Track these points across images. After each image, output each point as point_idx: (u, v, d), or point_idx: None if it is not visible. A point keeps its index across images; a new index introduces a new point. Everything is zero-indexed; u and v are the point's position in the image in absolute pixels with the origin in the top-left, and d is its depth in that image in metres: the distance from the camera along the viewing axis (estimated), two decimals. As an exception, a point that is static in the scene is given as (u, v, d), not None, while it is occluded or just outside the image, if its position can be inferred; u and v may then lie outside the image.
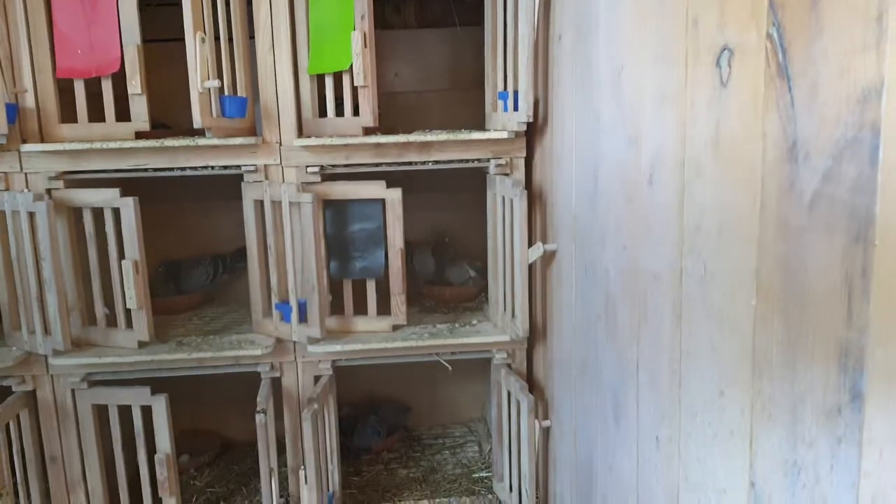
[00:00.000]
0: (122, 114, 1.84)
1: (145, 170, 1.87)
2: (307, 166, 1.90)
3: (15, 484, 1.91)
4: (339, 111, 1.90)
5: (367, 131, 1.89)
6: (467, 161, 1.94)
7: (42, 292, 1.82)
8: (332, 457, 2.01)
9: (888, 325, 0.60)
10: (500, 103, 1.91)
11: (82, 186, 1.88)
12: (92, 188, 1.85)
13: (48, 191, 1.85)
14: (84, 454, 1.96)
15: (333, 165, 1.92)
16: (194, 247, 2.44)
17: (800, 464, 0.73)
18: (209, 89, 1.71)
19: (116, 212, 1.83)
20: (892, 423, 0.60)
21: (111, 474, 1.97)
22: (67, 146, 1.79)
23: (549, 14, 1.70)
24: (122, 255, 1.84)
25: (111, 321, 1.93)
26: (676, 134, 0.99)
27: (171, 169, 1.88)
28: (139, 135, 1.85)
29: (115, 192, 1.82)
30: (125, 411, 1.92)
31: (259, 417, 1.79)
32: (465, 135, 1.88)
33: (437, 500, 2.12)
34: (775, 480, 0.78)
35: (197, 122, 1.68)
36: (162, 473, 1.88)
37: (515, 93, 1.79)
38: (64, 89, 1.86)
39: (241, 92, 1.84)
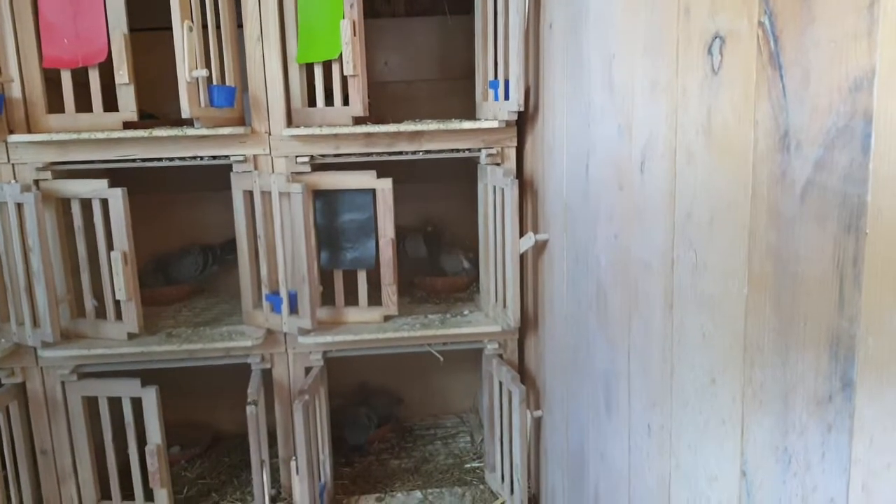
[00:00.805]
0: (110, 104, 1.83)
1: (133, 160, 1.86)
2: (297, 156, 1.89)
3: (5, 476, 1.91)
4: (329, 101, 1.89)
5: (357, 121, 1.88)
6: (458, 151, 1.93)
7: (31, 284, 1.80)
8: (323, 448, 2.01)
9: (879, 314, 0.60)
10: (491, 92, 1.91)
11: (70, 177, 1.86)
12: (80, 179, 1.84)
13: (36, 182, 1.84)
14: (74, 446, 1.95)
15: (323, 155, 1.91)
16: (183, 238, 2.43)
17: (791, 451, 0.73)
18: (197, 79, 1.70)
19: (105, 202, 1.81)
20: (883, 410, 0.60)
21: (102, 466, 1.96)
22: (55, 137, 1.77)
23: (539, 2, 1.69)
24: (110, 246, 1.83)
25: (100, 313, 1.92)
26: (668, 122, 0.99)
27: (160, 159, 1.87)
28: (127, 125, 1.84)
29: (104, 182, 1.81)
30: (115, 403, 1.91)
31: (250, 409, 1.79)
32: (455, 124, 1.88)
33: (429, 490, 2.12)
34: (766, 468, 0.78)
35: (185, 111, 1.66)
36: (153, 465, 1.88)
37: (506, 81, 1.79)
38: (50, 79, 1.84)
39: (229, 81, 1.83)
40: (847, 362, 0.64)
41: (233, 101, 1.82)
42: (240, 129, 1.83)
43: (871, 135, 0.59)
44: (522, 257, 1.87)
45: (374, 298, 2.00)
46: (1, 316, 1.90)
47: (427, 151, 1.92)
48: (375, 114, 1.96)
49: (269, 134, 1.89)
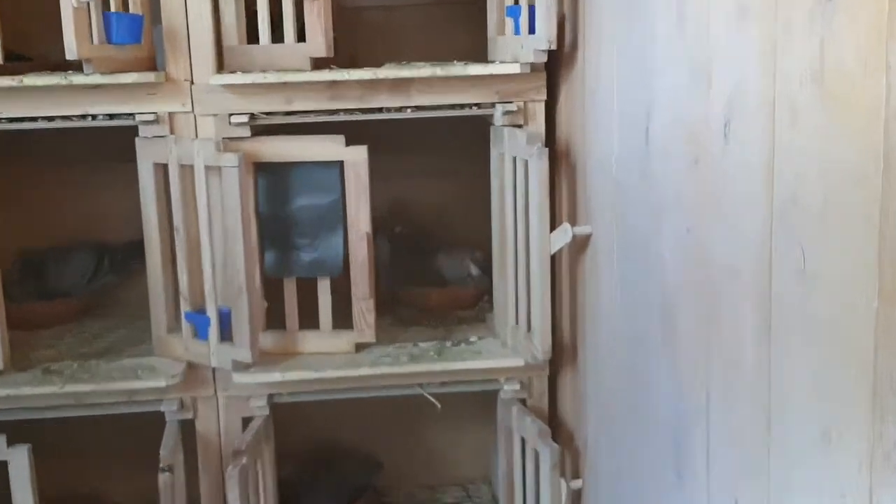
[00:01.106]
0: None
1: (-4, 120, 1.87)
2: (231, 115, 1.89)
3: None
4: (277, 35, 1.89)
5: (318, 64, 1.88)
6: (462, 107, 1.94)
7: None
8: (269, 533, 2.01)
9: None
10: (510, 23, 1.91)
11: None
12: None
13: None
14: (-89, 531, 1.96)
15: (269, 114, 1.91)
16: (67, 231, 2.42)
17: (939, 536, 0.73)
18: (88, 4, 1.70)
19: (-45, 181, 1.82)
20: None
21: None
22: None
23: None
24: (-37, 244, 1.84)
25: (-52, 340, 1.92)
26: (763, 65, 0.99)
27: (34, 119, 1.87)
28: (-13, 70, 1.84)
29: (-47, 152, 1.81)
30: (-30, 469, 1.91)
31: (163, 477, 1.79)
32: (458, 69, 1.88)
33: (421, 593, 2.13)
34: (904, 560, 0.78)
35: (70, 51, 1.66)
36: (24, 557, 1.88)
37: (531, 7, 1.79)
38: None
39: (133, 9, 1.83)
40: None
41: (139, 37, 1.83)
42: (149, 76, 1.83)
43: None
44: (554, 259, 1.87)
45: (342, 319, 2.00)
46: None
47: (418, 108, 1.92)
48: (344, 54, 1.96)
49: (192, 83, 1.89)
